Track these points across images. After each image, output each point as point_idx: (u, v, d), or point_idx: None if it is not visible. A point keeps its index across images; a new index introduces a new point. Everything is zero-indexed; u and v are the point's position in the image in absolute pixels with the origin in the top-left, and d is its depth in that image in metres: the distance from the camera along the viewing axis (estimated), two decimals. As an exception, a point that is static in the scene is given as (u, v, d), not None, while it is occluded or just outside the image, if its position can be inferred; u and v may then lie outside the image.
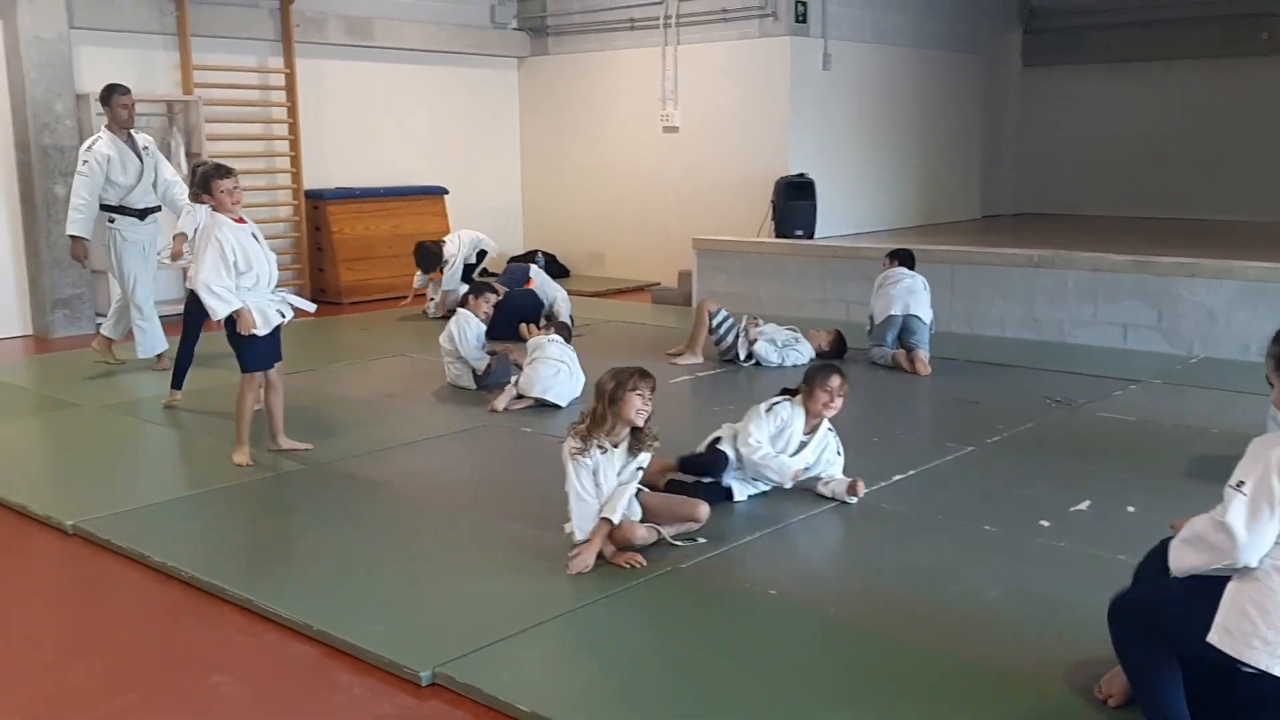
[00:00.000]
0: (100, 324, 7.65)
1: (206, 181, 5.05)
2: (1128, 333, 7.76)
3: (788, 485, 4.55)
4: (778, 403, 4.55)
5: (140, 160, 7.16)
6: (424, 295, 9.76)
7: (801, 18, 10.57)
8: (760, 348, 7.24)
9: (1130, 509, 4.42)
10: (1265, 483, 2.50)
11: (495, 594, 3.73)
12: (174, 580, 3.92)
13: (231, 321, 5.03)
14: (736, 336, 7.31)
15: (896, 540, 4.20)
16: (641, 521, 3.97)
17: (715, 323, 7.38)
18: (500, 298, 7.47)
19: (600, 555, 3.84)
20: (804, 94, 10.72)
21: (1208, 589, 2.57)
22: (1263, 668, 2.50)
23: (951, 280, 8.36)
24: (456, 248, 9.52)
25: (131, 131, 7.22)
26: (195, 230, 6.22)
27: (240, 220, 5.09)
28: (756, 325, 7.42)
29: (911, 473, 4.92)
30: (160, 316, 7.38)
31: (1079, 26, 13.60)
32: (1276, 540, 2.51)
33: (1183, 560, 2.62)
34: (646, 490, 4.10)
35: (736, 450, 4.51)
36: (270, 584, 3.80)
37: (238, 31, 10.07)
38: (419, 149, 11.60)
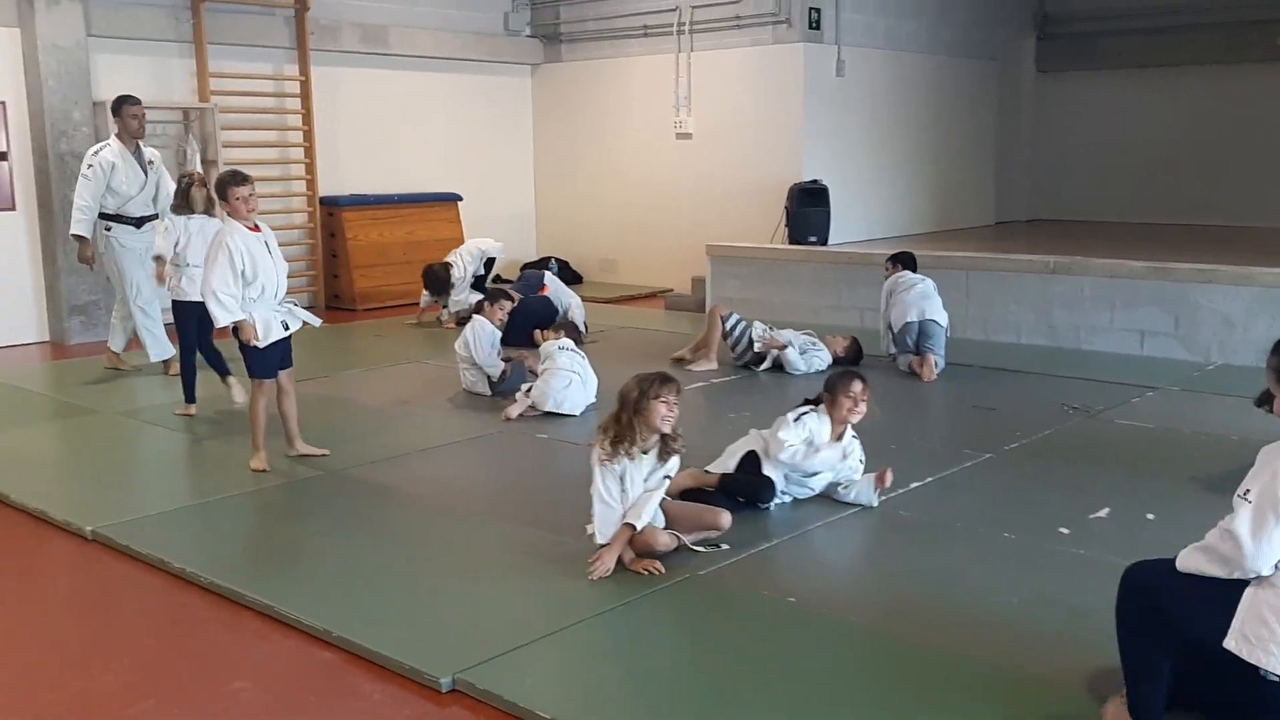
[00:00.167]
0: (108, 340, 7.71)
1: (223, 188, 5.07)
2: (1145, 339, 7.73)
3: (819, 487, 4.54)
4: (805, 413, 4.54)
5: (145, 173, 7.27)
6: (435, 307, 9.69)
7: (815, 24, 10.57)
8: (787, 356, 7.21)
9: (1150, 516, 4.40)
10: (1271, 490, 2.50)
11: (514, 600, 3.73)
12: (193, 586, 3.93)
13: (235, 329, 5.04)
14: (750, 340, 7.31)
15: (915, 547, 4.19)
16: (664, 528, 3.96)
17: (728, 327, 7.39)
18: (515, 304, 7.48)
19: (619, 561, 3.83)
20: (818, 100, 10.71)
21: (1217, 583, 2.58)
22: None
23: (967, 286, 8.34)
24: (463, 268, 9.48)
25: (140, 143, 7.32)
26: (177, 246, 6.30)
27: (254, 228, 5.09)
28: (770, 331, 7.41)
29: (930, 479, 4.90)
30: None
31: (1093, 33, 13.57)
32: None
33: (1191, 563, 2.62)
34: (669, 498, 4.09)
35: (770, 455, 4.49)
36: (289, 590, 3.80)
37: (253, 39, 10.12)
38: (433, 156, 11.63)
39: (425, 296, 9.64)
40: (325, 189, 10.72)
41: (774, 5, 10.55)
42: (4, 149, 8.79)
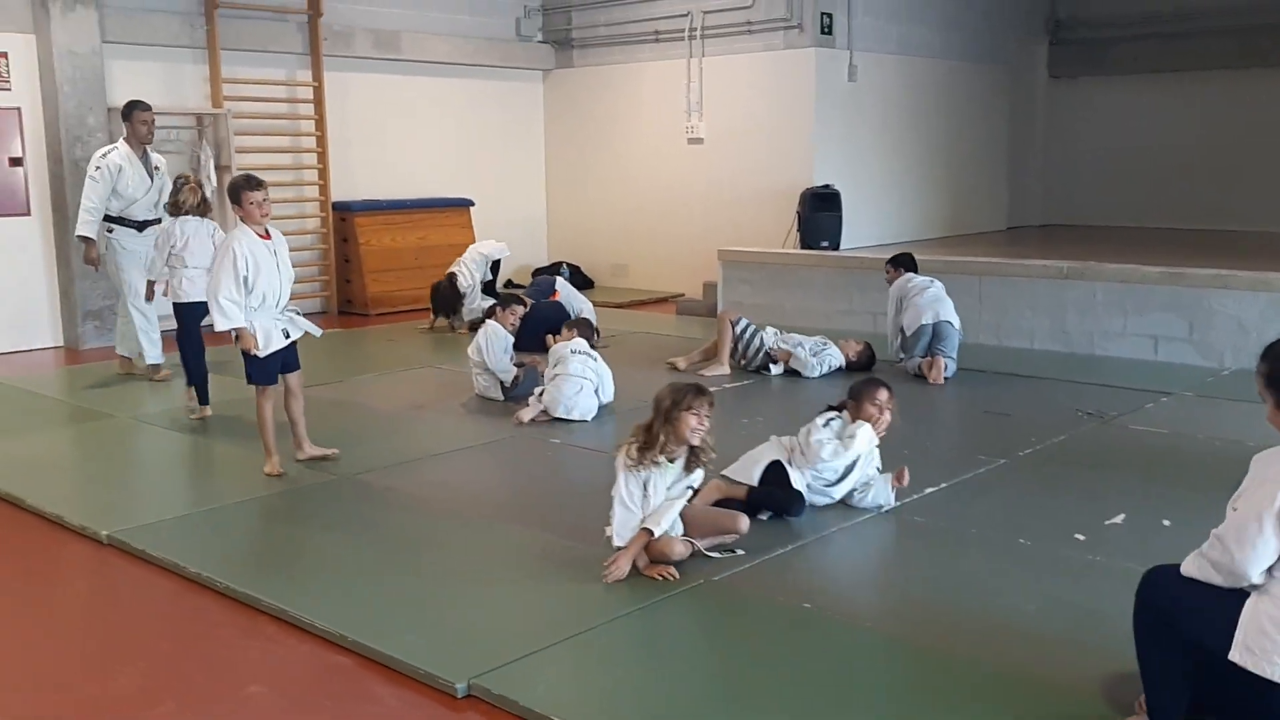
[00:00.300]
0: (116, 344, 7.75)
1: (237, 192, 5.07)
2: (1158, 345, 7.70)
3: (840, 495, 4.54)
4: (832, 419, 4.52)
5: (151, 178, 7.33)
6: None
7: (827, 29, 10.57)
8: (798, 357, 7.22)
9: (1166, 522, 4.38)
10: (1255, 498, 2.54)
11: (528, 605, 3.73)
12: (208, 590, 3.94)
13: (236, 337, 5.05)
14: (761, 344, 7.32)
15: (930, 552, 4.18)
16: (681, 534, 3.96)
17: (739, 331, 7.40)
18: (527, 309, 7.48)
19: (634, 566, 3.83)
20: (829, 105, 10.71)
21: (1222, 594, 2.60)
22: None
23: (980, 291, 8.32)
24: (469, 276, 9.46)
25: (148, 148, 7.38)
26: (173, 248, 6.41)
27: (265, 235, 5.09)
28: (779, 337, 7.41)
29: (944, 485, 4.89)
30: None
31: (1105, 38, 13.54)
32: None
33: (1193, 568, 2.67)
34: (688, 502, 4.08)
35: (794, 465, 4.48)
36: (303, 594, 3.81)
37: (267, 45, 10.16)
38: (445, 161, 11.66)
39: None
40: (338, 194, 10.75)
41: (786, 10, 10.55)
42: (19, 154, 8.83)
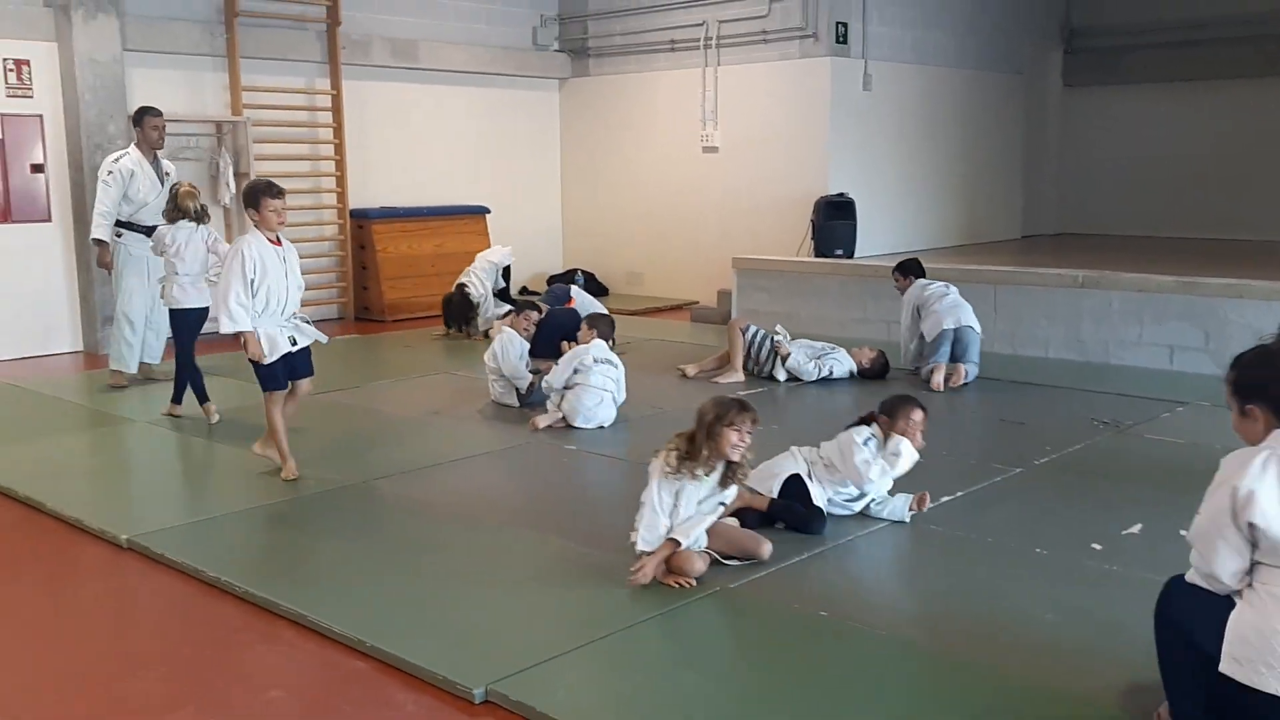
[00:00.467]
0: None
1: (257, 196, 5.06)
2: (1174, 354, 7.68)
3: (859, 508, 4.54)
4: (869, 438, 4.47)
5: (161, 183, 7.40)
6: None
7: (842, 38, 10.59)
8: (794, 361, 7.25)
9: (1182, 532, 4.32)
10: (1213, 501, 2.60)
11: (546, 611, 3.75)
12: (227, 594, 3.96)
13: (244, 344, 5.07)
14: (771, 349, 7.33)
15: (947, 561, 4.18)
16: (705, 547, 3.96)
17: (749, 338, 7.42)
18: (542, 315, 7.51)
19: (650, 572, 3.85)
20: (844, 114, 10.72)
21: (1217, 604, 2.62)
22: (1276, 693, 2.49)
23: (995, 300, 8.31)
24: (480, 284, 9.47)
25: (158, 154, 7.46)
26: (169, 253, 6.51)
27: (276, 241, 5.10)
28: (779, 336, 7.43)
29: (960, 494, 4.89)
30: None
31: (1119, 47, 13.52)
32: (1266, 563, 2.53)
33: (1191, 576, 2.71)
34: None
35: (815, 478, 4.48)
36: (322, 599, 3.83)
37: (285, 53, 10.23)
38: (461, 169, 11.71)
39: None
40: (355, 201, 10.81)
41: (801, 19, 10.57)
42: (40, 161, 8.91)
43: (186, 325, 6.53)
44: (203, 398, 6.41)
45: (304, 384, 5.32)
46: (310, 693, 3.29)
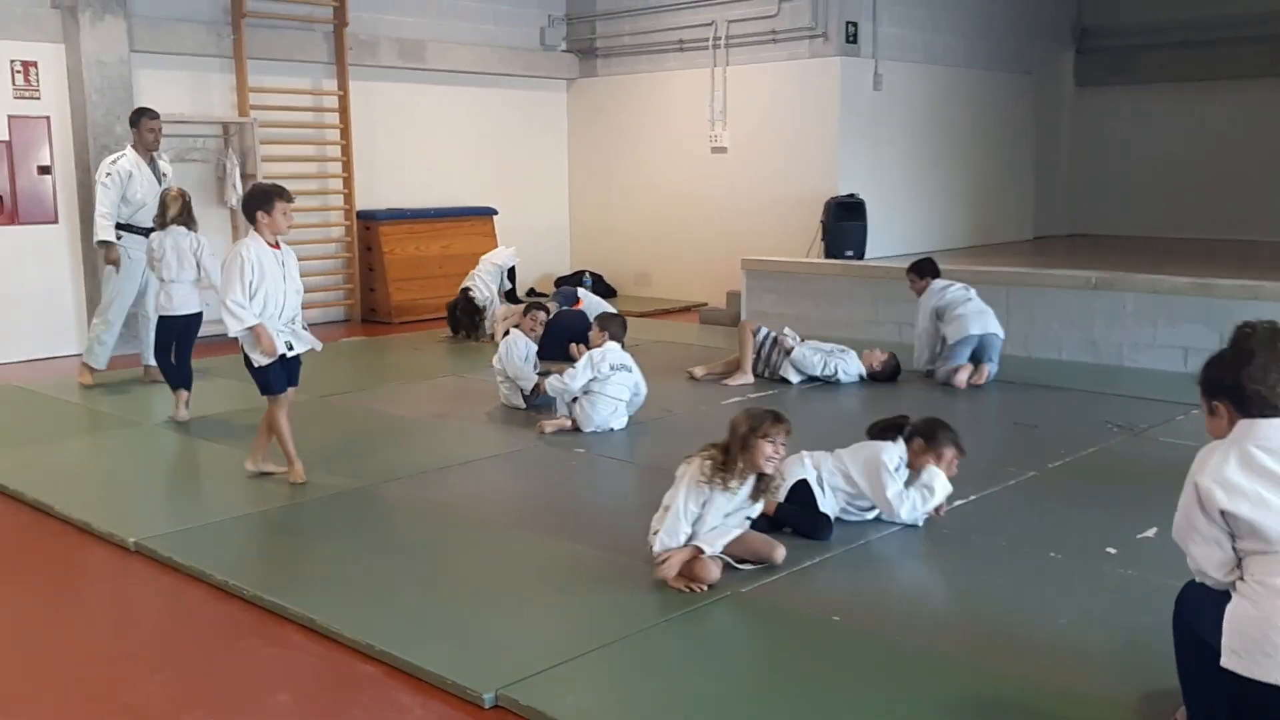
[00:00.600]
0: (141, 353, 7.79)
1: (269, 198, 5.03)
2: (1188, 356, 7.60)
3: (872, 514, 4.50)
4: (898, 466, 4.42)
5: (159, 183, 7.40)
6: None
7: (852, 38, 10.55)
8: (800, 354, 7.21)
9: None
10: (1185, 495, 2.62)
11: (555, 616, 3.72)
12: (235, 598, 3.93)
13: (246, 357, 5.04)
14: (780, 348, 7.30)
15: (961, 565, 4.14)
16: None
17: (759, 340, 7.38)
18: (550, 316, 7.48)
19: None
20: (854, 114, 10.68)
21: (1220, 598, 2.61)
22: (1276, 682, 2.48)
23: (1007, 302, 8.25)
24: (485, 288, 9.43)
25: (154, 155, 7.45)
26: (157, 259, 6.56)
27: (275, 245, 5.05)
28: (786, 334, 7.40)
29: (973, 497, 4.84)
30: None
31: (1131, 46, 13.46)
32: (1252, 552, 2.54)
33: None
34: None
35: (823, 485, 4.44)
36: (330, 602, 3.80)
37: (293, 54, 10.22)
38: (469, 170, 11.69)
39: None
40: (362, 202, 10.79)
41: (811, 19, 10.54)
42: (47, 163, 8.91)
43: (172, 332, 6.53)
44: (177, 387, 6.46)
45: (289, 393, 5.26)
46: (318, 696, 3.26)
